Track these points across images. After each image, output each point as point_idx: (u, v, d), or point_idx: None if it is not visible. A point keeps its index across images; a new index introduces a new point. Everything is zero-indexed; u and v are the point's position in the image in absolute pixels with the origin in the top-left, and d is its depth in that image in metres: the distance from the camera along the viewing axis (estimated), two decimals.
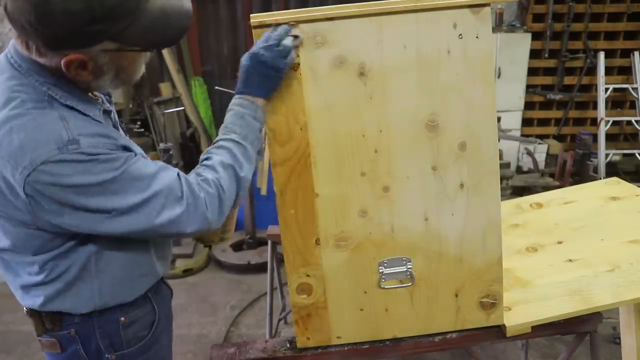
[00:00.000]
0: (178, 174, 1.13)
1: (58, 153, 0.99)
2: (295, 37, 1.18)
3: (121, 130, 1.28)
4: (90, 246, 1.14)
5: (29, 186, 0.99)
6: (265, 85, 1.20)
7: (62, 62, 1.00)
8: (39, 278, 1.14)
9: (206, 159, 1.20)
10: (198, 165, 1.20)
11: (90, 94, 1.15)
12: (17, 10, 0.95)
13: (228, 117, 1.23)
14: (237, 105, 1.22)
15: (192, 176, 1.16)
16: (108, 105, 1.21)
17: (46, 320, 1.20)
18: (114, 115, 1.26)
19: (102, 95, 1.21)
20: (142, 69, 1.16)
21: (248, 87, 1.21)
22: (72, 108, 1.05)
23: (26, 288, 1.17)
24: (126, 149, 1.11)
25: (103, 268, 1.17)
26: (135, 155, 1.11)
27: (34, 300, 1.17)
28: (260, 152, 1.29)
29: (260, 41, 1.19)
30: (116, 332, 1.23)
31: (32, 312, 1.20)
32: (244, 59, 1.20)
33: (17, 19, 0.96)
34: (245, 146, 1.21)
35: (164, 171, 1.11)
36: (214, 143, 1.23)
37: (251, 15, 1.19)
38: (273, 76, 1.19)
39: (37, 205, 1.02)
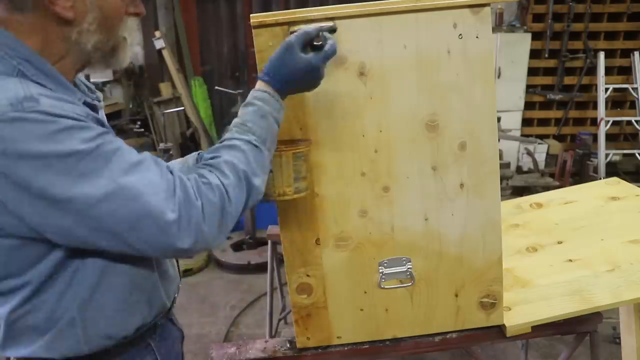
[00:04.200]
0: (171, 171, 0.93)
1: (10, 110, 0.81)
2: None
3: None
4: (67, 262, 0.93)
5: None
6: (295, 83, 1.08)
7: None
8: None
9: (212, 157, 0.99)
10: (201, 163, 1.00)
11: (71, 83, 0.98)
12: None
13: (248, 113, 1.04)
14: (259, 100, 1.04)
15: (191, 177, 0.94)
16: (91, 96, 1.02)
17: None
18: (103, 117, 1.07)
19: (88, 94, 1.03)
20: (126, 42, 1.03)
21: (280, 79, 1.05)
22: (44, 87, 0.89)
23: None
24: (103, 125, 0.92)
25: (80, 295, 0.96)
26: (116, 137, 0.91)
27: None
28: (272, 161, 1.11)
29: (303, 35, 1.07)
30: None
31: None
32: (291, 47, 1.04)
33: None
34: (263, 152, 1.02)
35: (150, 163, 0.91)
36: (223, 140, 1.02)
37: (251, 15, 1.19)
38: (308, 80, 1.08)
39: None
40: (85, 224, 0.86)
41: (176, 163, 1.26)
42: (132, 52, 1.25)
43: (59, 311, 0.96)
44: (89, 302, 0.97)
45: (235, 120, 1.04)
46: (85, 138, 0.84)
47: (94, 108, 1.02)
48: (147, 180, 0.88)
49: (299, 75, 1.07)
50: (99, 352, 1.01)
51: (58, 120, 0.83)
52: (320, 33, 1.10)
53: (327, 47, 1.09)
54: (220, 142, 1.02)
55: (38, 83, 0.89)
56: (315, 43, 1.10)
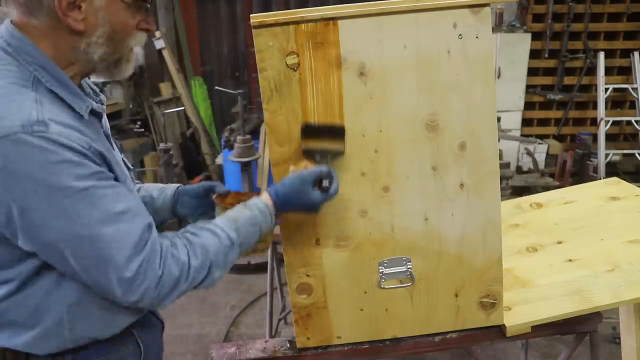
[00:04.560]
0: (149, 227, 0.99)
1: (20, 131, 0.86)
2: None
3: (114, 145, 1.16)
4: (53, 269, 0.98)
5: None
6: (294, 209, 1.20)
7: None
8: None
9: (194, 234, 1.07)
10: (181, 232, 1.08)
11: (80, 88, 1.05)
12: None
13: (243, 214, 1.13)
14: (258, 210, 1.15)
15: (165, 243, 1.01)
16: (97, 104, 1.08)
17: None
18: (105, 122, 1.14)
19: (92, 100, 1.07)
20: (133, 55, 1.08)
21: (284, 204, 1.18)
22: (55, 95, 0.96)
23: None
24: (103, 159, 0.97)
25: (71, 296, 1.01)
26: (112, 179, 0.98)
27: None
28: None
29: (309, 176, 1.19)
30: None
31: None
32: (298, 183, 1.17)
33: None
34: (236, 252, 1.11)
35: (131, 217, 0.96)
36: (214, 225, 1.09)
37: (251, 15, 1.19)
38: (307, 210, 1.21)
39: None
40: (50, 251, 0.94)
41: (155, 188, 1.34)
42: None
43: (44, 310, 1.00)
44: (77, 305, 1.02)
45: (230, 213, 1.14)
46: (80, 175, 0.91)
47: (98, 115, 1.08)
48: (121, 234, 0.94)
49: (301, 207, 1.20)
50: (83, 345, 1.06)
51: (59, 152, 0.89)
52: (332, 174, 1.22)
53: (332, 190, 1.21)
54: (208, 224, 1.10)
55: (50, 90, 0.95)
56: (323, 183, 1.20)
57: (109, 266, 0.93)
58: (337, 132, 1.25)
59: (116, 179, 1.00)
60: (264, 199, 1.17)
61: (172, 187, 1.35)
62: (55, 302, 1.00)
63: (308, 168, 1.22)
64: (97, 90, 1.15)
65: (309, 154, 1.26)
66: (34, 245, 0.93)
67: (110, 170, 0.99)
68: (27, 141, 0.87)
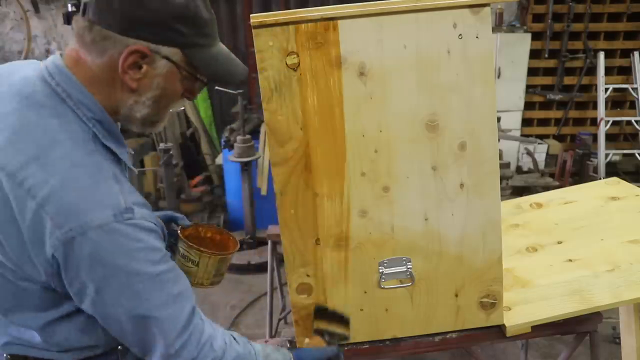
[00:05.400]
0: (193, 309, 1.06)
1: (113, 221, 0.91)
2: None
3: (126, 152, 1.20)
4: None
5: (62, 248, 0.90)
6: None
7: (126, 50, 0.94)
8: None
9: (237, 340, 1.17)
10: (227, 332, 1.18)
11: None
12: None
13: (275, 355, 1.25)
14: (283, 357, 1.27)
15: (209, 330, 1.10)
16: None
17: None
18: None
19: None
20: (167, 117, 1.11)
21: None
22: (109, 150, 1.00)
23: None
24: (162, 228, 1.05)
25: None
26: (170, 257, 1.04)
27: None
28: None
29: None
30: None
31: None
32: None
33: None
34: None
35: (184, 299, 1.04)
36: (251, 344, 1.22)
37: (251, 15, 1.19)
38: None
39: (57, 269, 0.93)
40: (111, 322, 1.00)
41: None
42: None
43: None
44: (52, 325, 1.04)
45: (267, 350, 1.25)
46: (155, 261, 0.97)
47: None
48: (175, 315, 1.01)
49: None
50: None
51: (143, 239, 0.95)
52: (340, 355, 1.39)
53: None
54: (250, 344, 1.22)
55: (105, 146, 1.00)
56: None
57: (159, 343, 1.00)
58: (343, 320, 1.41)
59: None
60: (291, 356, 1.30)
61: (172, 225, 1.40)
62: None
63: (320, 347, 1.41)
64: None
65: (319, 333, 1.42)
66: (95, 313, 0.99)
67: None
68: (119, 230, 0.92)
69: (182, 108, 5.19)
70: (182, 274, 1.07)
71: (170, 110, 1.09)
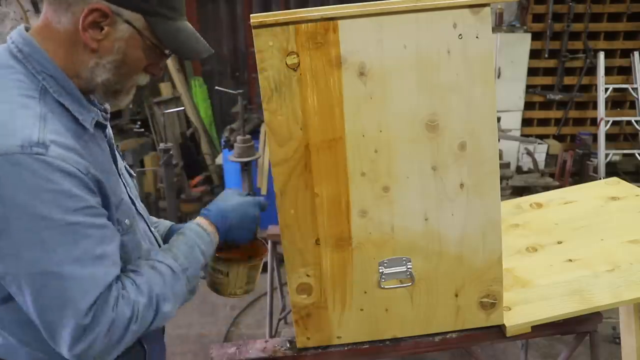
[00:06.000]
0: (118, 279, 0.95)
1: (18, 151, 0.85)
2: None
3: (118, 155, 1.16)
4: None
5: None
6: (237, 221, 1.20)
7: (86, 9, 0.93)
8: None
9: (135, 271, 1.01)
10: (125, 270, 1.02)
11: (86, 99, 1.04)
12: None
13: (178, 241, 1.10)
14: (193, 232, 1.13)
15: (116, 286, 0.94)
16: (102, 114, 1.08)
17: None
18: (109, 131, 1.13)
19: (97, 110, 1.07)
20: (133, 89, 1.08)
21: (224, 218, 1.18)
22: (62, 105, 0.97)
23: None
24: (100, 187, 0.95)
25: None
26: (104, 216, 0.96)
27: None
28: (192, 292, 1.12)
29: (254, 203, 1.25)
30: None
31: None
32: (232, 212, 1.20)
33: None
34: (181, 279, 1.06)
35: (109, 264, 0.93)
36: (150, 259, 1.05)
37: (251, 15, 1.19)
38: (246, 229, 1.22)
39: None
40: (11, 280, 0.89)
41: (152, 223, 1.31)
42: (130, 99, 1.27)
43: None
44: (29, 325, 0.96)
45: (165, 245, 1.11)
46: (70, 208, 0.88)
47: (102, 126, 1.08)
48: (92, 279, 0.90)
49: (242, 215, 1.21)
50: None
51: (54, 179, 0.86)
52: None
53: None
54: (147, 259, 1.05)
55: (58, 102, 0.96)
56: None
57: (68, 309, 0.88)
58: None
59: (109, 206, 0.99)
60: (196, 220, 1.17)
61: (166, 223, 1.38)
62: (10, 324, 1.00)
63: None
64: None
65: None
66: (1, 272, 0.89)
67: (106, 198, 0.98)
68: (24, 163, 0.84)
69: (182, 108, 5.20)
70: (117, 238, 0.98)
71: (135, 84, 1.07)
